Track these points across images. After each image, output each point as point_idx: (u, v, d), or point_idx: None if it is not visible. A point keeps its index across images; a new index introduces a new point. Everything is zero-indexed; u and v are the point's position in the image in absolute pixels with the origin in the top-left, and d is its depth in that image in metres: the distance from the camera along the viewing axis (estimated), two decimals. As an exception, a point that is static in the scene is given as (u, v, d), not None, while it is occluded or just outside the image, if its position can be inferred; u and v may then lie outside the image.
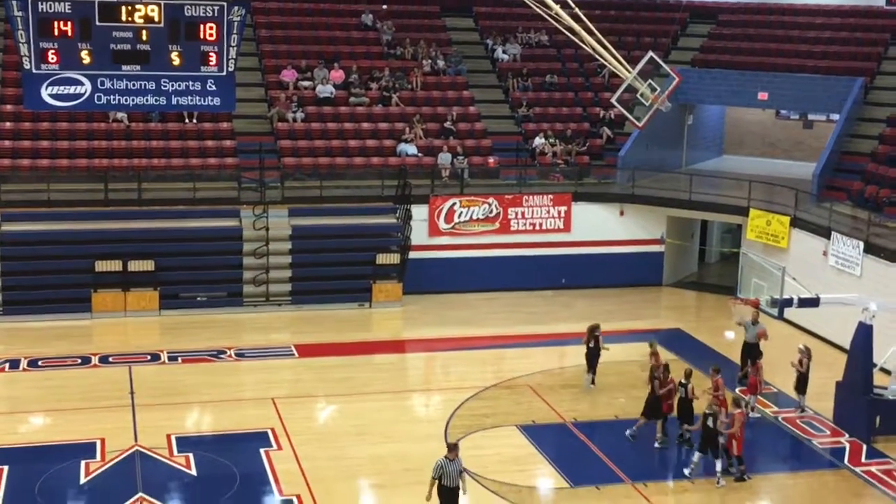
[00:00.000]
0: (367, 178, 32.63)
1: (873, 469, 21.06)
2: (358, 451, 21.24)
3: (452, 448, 17.75)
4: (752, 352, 24.77)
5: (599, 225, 32.88)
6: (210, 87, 21.26)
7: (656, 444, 21.55)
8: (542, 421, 22.81)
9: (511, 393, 24.34)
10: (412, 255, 31.15)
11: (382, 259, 30.83)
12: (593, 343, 24.53)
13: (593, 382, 24.53)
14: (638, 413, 21.91)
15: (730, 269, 32.99)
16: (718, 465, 20.13)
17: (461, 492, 17.63)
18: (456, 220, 31.87)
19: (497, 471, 20.31)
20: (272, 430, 21.97)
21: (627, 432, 21.70)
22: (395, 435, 22.00)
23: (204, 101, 21.41)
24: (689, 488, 20.09)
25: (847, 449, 21.93)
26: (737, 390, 23.89)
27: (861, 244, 27.26)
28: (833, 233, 28.35)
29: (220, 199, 30.85)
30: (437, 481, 17.50)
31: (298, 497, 19.17)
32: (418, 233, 31.38)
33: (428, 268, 31.46)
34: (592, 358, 24.55)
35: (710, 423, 20.23)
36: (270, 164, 32.04)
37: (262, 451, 20.97)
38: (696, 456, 20.35)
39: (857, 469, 21.10)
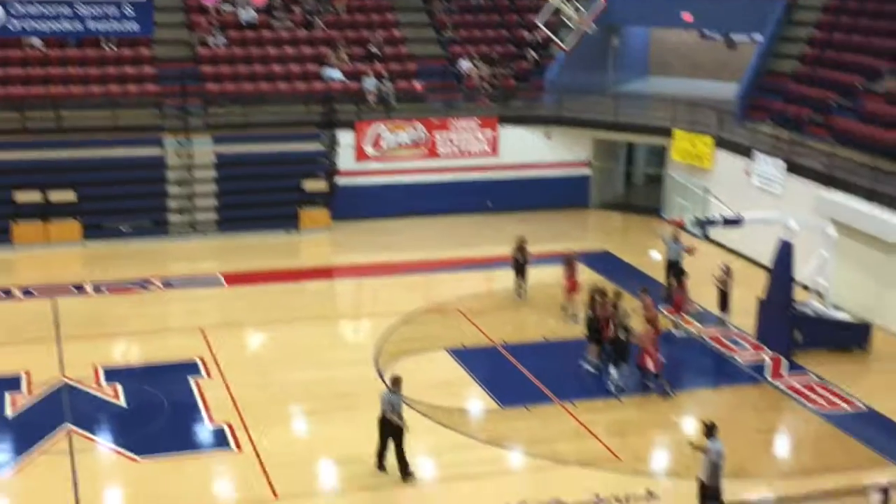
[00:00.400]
0: (293, 103, 32.24)
1: (793, 382, 21.59)
2: (288, 377, 21.26)
3: (396, 381, 17.59)
4: (674, 269, 25.18)
5: (526, 148, 32.94)
6: (127, 11, 20.87)
7: (589, 368, 21.68)
8: (472, 344, 23.00)
9: (440, 317, 24.48)
10: (339, 181, 30.96)
11: (309, 186, 30.61)
12: (521, 255, 24.77)
13: (519, 296, 24.74)
14: (567, 334, 22.17)
15: (655, 191, 33.34)
16: (613, 371, 20.80)
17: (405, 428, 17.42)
18: (383, 145, 31.70)
19: (427, 394, 20.46)
20: (201, 359, 21.89)
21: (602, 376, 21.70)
22: (325, 361, 22.05)
23: (121, 27, 21.03)
24: (616, 406, 20.45)
25: (768, 364, 22.45)
26: (662, 308, 24.25)
27: (783, 163, 27.65)
28: (755, 152, 28.71)
29: (142, 127, 30.31)
30: (382, 415, 17.35)
31: (229, 424, 19.18)
32: (345, 159, 31.17)
33: (355, 194, 31.33)
34: (520, 270, 24.79)
35: (622, 335, 20.73)
36: (193, 91, 31.46)
37: (191, 379, 20.90)
38: (613, 370, 20.77)
39: (778, 383, 21.63)
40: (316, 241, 30.11)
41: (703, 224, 23.50)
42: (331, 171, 30.87)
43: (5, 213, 28.34)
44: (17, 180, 28.48)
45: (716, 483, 15.92)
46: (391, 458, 17.44)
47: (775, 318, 23.02)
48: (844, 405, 20.66)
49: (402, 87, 33.41)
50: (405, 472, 17.33)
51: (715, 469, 15.85)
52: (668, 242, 25.25)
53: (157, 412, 19.62)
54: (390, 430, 17.38)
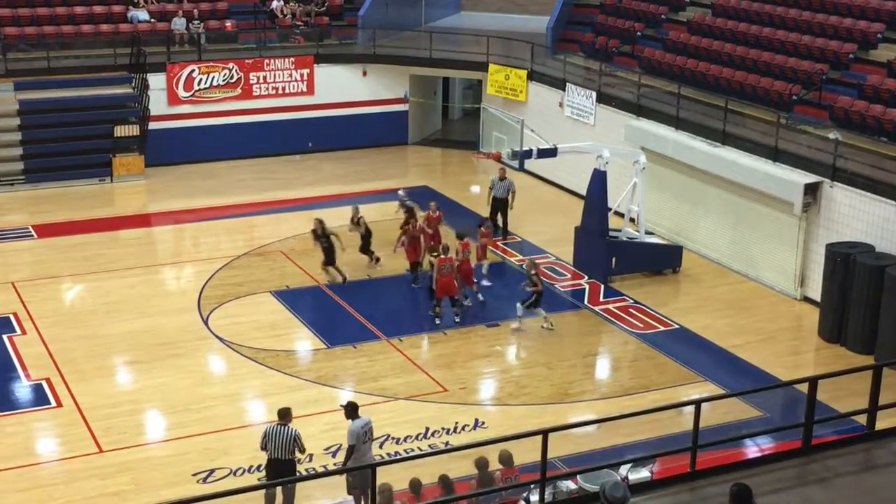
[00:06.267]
0: (98, 46, 31.06)
1: (610, 307, 22.37)
2: (109, 329, 20.76)
3: (284, 414, 14.57)
4: (500, 206, 25.63)
5: (343, 86, 32.70)
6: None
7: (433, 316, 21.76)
8: (296, 285, 22.92)
9: (263, 260, 24.28)
10: (152, 125, 30.09)
11: (121, 132, 29.68)
12: (325, 239, 22.85)
13: (344, 281, 23.14)
14: (391, 272, 22.31)
15: (472, 125, 33.67)
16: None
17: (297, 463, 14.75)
18: (196, 87, 30.91)
19: (254, 338, 20.36)
20: (14, 314, 21.14)
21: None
22: (147, 310, 21.61)
23: None
24: (441, 339, 20.77)
25: (587, 290, 23.17)
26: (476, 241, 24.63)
27: (594, 94, 28.32)
28: (568, 84, 29.29)
29: (-65, 75, 28.74)
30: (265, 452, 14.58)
31: (48, 380, 18.64)
32: (157, 102, 30.27)
33: (170, 138, 30.53)
34: (329, 253, 22.94)
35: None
36: (-10, 36, 29.97)
37: (4, 336, 20.18)
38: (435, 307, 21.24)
39: (596, 308, 22.37)
40: (131, 189, 29.28)
41: (520, 156, 23.89)
42: (143, 116, 29.97)
43: None
44: None
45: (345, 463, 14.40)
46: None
47: (592, 246, 23.70)
48: (658, 325, 21.55)
49: (213, 27, 32.60)
50: None
51: (352, 451, 14.30)
52: (493, 181, 25.64)
53: (-30, 372, 18.91)
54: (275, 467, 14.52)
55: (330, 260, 22.84)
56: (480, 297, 22.22)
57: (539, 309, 21.12)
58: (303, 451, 14.52)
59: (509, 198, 25.60)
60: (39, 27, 31.02)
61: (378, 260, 23.71)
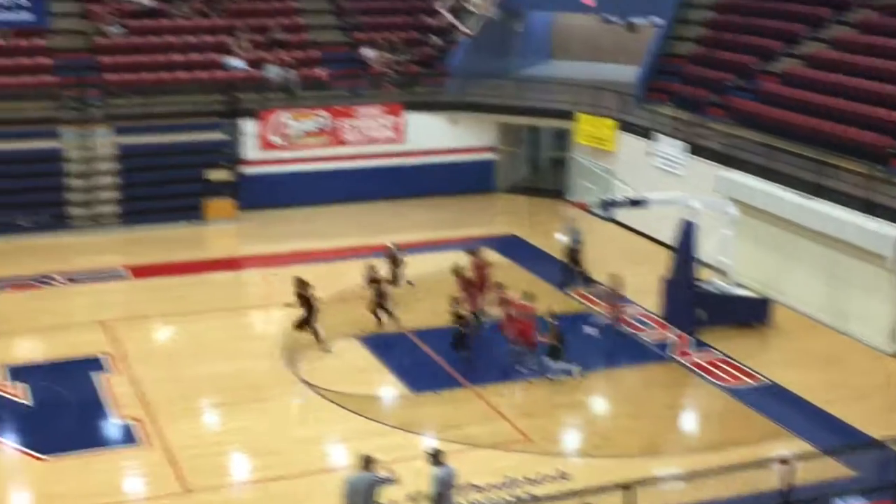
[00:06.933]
0: (194, 93, 31.80)
1: (697, 359, 22.04)
2: (196, 370, 21.05)
3: (365, 460, 14.43)
4: (573, 255, 25.57)
5: (432, 134, 32.98)
6: (21, 1, 20.33)
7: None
8: (381, 331, 23.00)
9: (349, 305, 24.42)
10: (244, 170, 30.66)
11: (214, 176, 30.29)
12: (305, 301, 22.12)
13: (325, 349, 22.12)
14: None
15: (560, 173, 33.64)
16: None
17: None
18: (287, 133, 31.46)
19: (338, 382, 20.46)
20: (107, 354, 21.54)
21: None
22: (234, 353, 21.87)
23: (15, 16, 20.51)
24: (527, 388, 20.64)
25: (673, 342, 22.87)
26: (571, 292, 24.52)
27: (684, 144, 28.13)
28: (657, 134, 29.16)
29: (39, 119, 29.60)
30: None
31: (137, 419, 18.94)
32: (250, 148, 30.87)
33: (261, 183, 31.07)
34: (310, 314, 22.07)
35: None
36: (92, 82, 30.85)
37: (98, 375, 20.58)
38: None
39: (683, 360, 22.05)
40: (221, 232, 29.80)
41: (608, 205, 23.82)
42: (235, 161, 30.54)
43: None
44: None
45: None
46: None
47: (679, 297, 23.43)
48: (747, 380, 21.16)
49: (305, 74, 33.19)
50: None
51: (440, 498, 14.52)
52: (568, 230, 25.61)
53: (63, 409, 19.29)
54: None
55: (308, 321, 21.97)
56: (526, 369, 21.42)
57: (561, 362, 20.86)
58: (380, 497, 14.42)
59: (578, 247, 25.52)
60: (138, 74, 31.88)
61: (383, 319, 23.26)
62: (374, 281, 23.39)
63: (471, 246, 24.88)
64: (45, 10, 21.04)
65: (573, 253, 25.68)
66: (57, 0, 31.10)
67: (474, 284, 23.22)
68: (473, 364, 21.25)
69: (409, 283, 24.63)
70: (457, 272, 23.27)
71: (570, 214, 27.10)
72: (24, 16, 20.53)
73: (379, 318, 23.16)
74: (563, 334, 21.02)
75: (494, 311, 22.54)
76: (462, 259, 24.04)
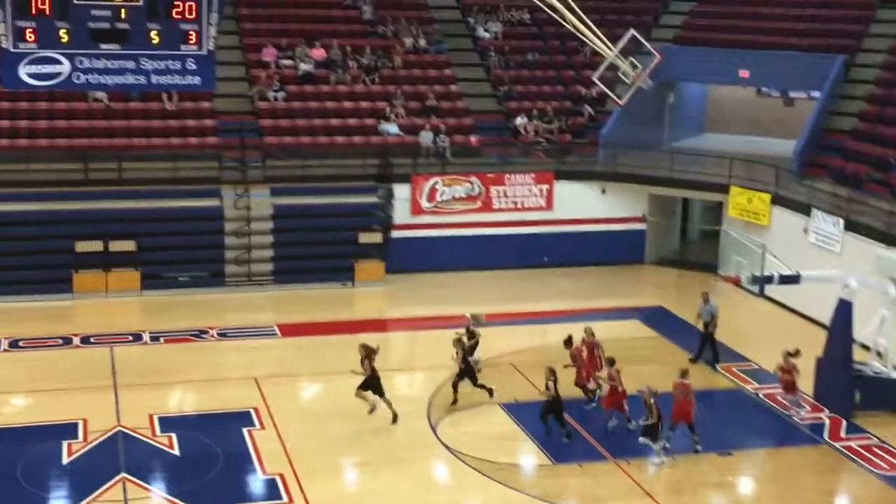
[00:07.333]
0: (349, 156, 32.54)
1: (853, 444, 21.21)
2: (340, 429, 21.26)
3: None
4: (706, 331, 25.04)
5: (581, 203, 32.92)
6: (190, 65, 21.18)
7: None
8: (525, 399, 22.87)
9: (493, 371, 24.36)
10: (394, 234, 31.12)
11: (364, 238, 30.80)
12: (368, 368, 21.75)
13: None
14: (625, 388, 21.96)
15: (711, 247, 33.07)
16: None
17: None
18: (438, 198, 31.85)
19: (479, 448, 20.37)
20: (255, 409, 21.97)
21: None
22: (378, 413, 22.00)
23: (184, 80, 21.34)
24: (671, 464, 20.18)
25: (827, 424, 22.08)
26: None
27: (841, 221, 27.37)
28: (813, 210, 28.45)
29: (202, 179, 30.73)
30: None
31: (281, 476, 19.20)
32: (400, 212, 31.35)
33: (410, 247, 31.45)
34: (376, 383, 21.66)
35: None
36: (252, 144, 31.91)
37: (244, 430, 20.98)
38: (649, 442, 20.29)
39: (837, 444, 21.25)
40: (370, 294, 30.23)
41: (760, 281, 23.28)
42: (386, 224, 31.04)
43: (67, 263, 28.79)
44: (79, 230, 28.94)
45: None
46: None
47: (835, 379, 22.68)
48: (906, 468, 20.26)
49: (458, 141, 33.62)
50: None
51: None
52: (701, 306, 25.09)
53: (210, 462, 19.70)
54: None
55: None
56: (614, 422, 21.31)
57: (660, 443, 20.11)
58: None
59: (711, 322, 24.93)
60: (297, 137, 32.82)
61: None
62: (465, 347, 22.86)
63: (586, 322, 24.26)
64: (213, 75, 21.81)
65: (706, 327, 25.16)
66: (222, 64, 32.28)
67: (584, 360, 22.78)
68: (573, 440, 20.80)
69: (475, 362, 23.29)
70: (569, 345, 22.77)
71: (718, 287, 26.53)
72: (193, 80, 21.33)
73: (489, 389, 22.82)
74: (661, 413, 20.34)
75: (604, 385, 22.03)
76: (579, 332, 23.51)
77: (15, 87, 21.37)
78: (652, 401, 20.14)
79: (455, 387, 22.56)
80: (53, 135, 31.50)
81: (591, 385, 22.65)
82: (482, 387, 22.67)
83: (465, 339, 22.98)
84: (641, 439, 20.23)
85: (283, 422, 21.38)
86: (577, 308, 28.86)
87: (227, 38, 33.60)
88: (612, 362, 21.63)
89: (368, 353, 21.45)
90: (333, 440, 20.77)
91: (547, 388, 20.86)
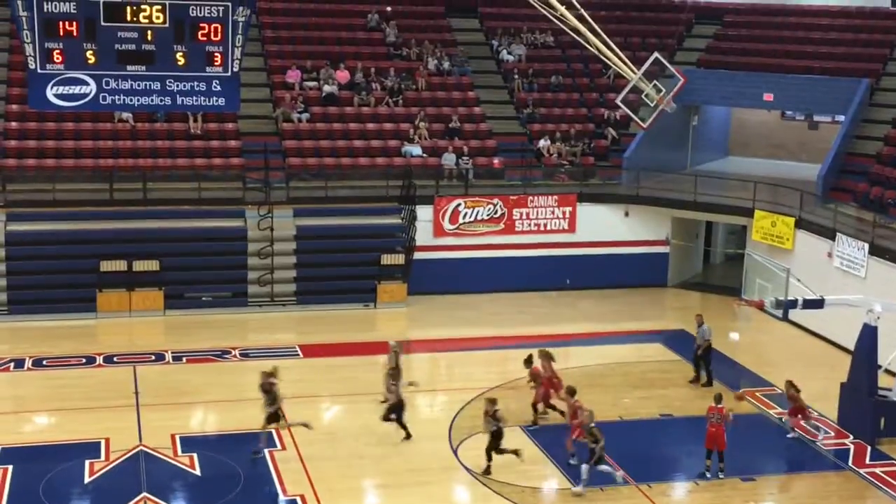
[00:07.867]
0: (372, 178, 32.66)
1: (877, 471, 21.03)
2: (362, 451, 21.25)
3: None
4: (701, 354, 25.04)
5: (604, 226, 32.87)
6: (215, 87, 21.37)
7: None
8: (545, 422, 22.78)
9: (515, 393, 24.29)
10: (417, 255, 31.15)
11: (387, 259, 30.84)
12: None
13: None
14: (644, 413, 21.88)
15: (734, 270, 32.95)
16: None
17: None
18: (461, 220, 31.88)
19: (501, 471, 20.30)
20: (276, 429, 21.95)
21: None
22: (399, 435, 21.98)
23: (209, 102, 21.53)
24: (693, 489, 20.08)
25: (851, 450, 21.90)
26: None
27: (866, 245, 27.22)
28: (838, 234, 28.32)
29: (225, 200, 30.90)
30: None
31: (302, 497, 19.20)
32: (423, 233, 31.38)
33: (432, 268, 31.47)
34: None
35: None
36: (275, 165, 32.07)
37: (266, 451, 20.98)
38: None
39: (861, 470, 21.07)
40: (392, 315, 30.23)
41: (784, 305, 23.17)
42: (409, 246, 31.09)
43: (91, 282, 28.95)
44: (104, 250, 29.12)
45: None
46: None
47: (859, 404, 22.50)
48: (931, 495, 20.05)
49: (481, 163, 33.67)
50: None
51: None
52: (700, 328, 25.04)
53: (232, 482, 19.72)
54: None
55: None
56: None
57: (603, 466, 19.81)
58: None
59: (702, 345, 24.94)
60: (320, 158, 32.95)
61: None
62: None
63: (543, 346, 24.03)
64: (238, 97, 21.99)
65: (698, 349, 25.10)
66: (246, 86, 32.48)
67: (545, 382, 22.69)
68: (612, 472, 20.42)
69: (411, 383, 22.81)
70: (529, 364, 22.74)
71: (742, 310, 26.43)
72: (218, 101, 21.52)
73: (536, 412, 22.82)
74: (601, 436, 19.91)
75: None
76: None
77: (42, 107, 21.63)
78: (592, 425, 19.88)
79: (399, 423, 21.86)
80: (79, 155, 31.77)
81: (541, 409, 22.57)
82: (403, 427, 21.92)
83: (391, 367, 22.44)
84: (601, 467, 19.84)
85: (305, 443, 21.37)
86: (600, 331, 28.78)
87: (251, 59, 33.83)
88: (572, 392, 21.26)
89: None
90: (355, 462, 20.76)
91: (494, 418, 20.38)
